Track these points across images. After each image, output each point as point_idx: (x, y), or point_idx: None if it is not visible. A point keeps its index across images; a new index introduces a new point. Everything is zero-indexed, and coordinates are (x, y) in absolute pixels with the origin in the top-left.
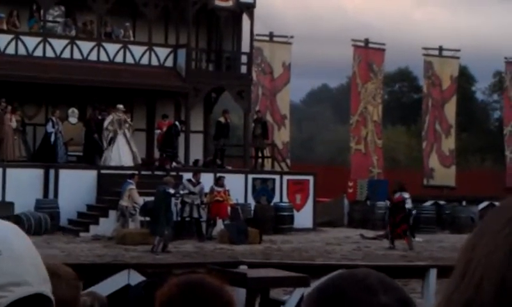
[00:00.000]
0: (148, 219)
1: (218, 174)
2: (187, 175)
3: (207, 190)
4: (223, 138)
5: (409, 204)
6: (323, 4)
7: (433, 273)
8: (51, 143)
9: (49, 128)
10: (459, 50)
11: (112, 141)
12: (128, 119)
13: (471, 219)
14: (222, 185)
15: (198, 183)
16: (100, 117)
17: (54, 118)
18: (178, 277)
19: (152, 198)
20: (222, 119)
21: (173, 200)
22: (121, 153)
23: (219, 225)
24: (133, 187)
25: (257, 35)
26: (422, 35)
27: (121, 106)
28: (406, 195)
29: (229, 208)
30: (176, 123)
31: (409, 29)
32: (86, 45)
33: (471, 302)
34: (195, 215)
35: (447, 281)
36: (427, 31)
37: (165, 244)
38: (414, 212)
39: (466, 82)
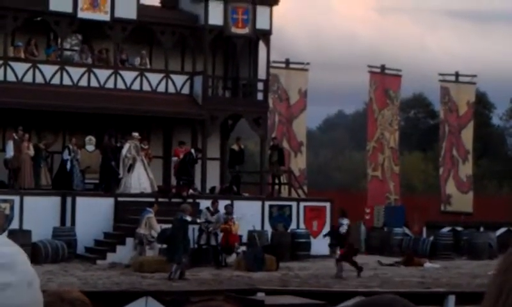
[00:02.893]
0: (165, 246)
1: (226, 203)
2: (204, 202)
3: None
4: (237, 165)
5: (343, 229)
6: (336, 31)
7: (451, 299)
8: (67, 170)
9: (65, 155)
10: (475, 76)
11: (131, 167)
12: (145, 147)
13: (489, 245)
14: (230, 213)
15: (216, 211)
16: (118, 144)
17: (70, 146)
18: (196, 305)
19: (169, 225)
20: (235, 147)
21: (190, 227)
22: (141, 179)
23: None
24: (152, 215)
25: (273, 62)
26: (436, 61)
27: (136, 134)
28: (344, 221)
29: (239, 236)
30: (192, 150)
31: (422, 55)
32: (103, 73)
33: None
34: (212, 242)
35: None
36: (440, 56)
37: (182, 272)
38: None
39: (484, 109)
